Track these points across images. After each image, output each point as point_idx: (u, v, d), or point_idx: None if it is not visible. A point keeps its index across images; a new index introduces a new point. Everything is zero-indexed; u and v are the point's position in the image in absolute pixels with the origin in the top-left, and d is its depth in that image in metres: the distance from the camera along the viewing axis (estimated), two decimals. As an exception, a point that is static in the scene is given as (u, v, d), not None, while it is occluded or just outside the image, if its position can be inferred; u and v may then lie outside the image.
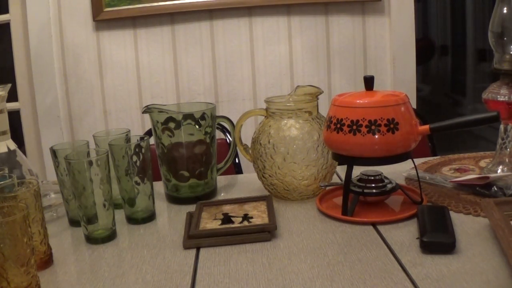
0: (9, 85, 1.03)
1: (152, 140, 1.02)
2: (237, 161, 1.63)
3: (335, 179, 1.14)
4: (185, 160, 1.07)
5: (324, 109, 1.01)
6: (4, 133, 1.01)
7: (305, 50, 2.10)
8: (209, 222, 0.92)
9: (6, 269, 0.67)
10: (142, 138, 0.98)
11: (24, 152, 1.11)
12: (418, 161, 1.22)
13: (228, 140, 1.68)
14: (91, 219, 0.89)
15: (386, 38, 2.10)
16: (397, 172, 1.11)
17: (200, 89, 2.11)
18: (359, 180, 0.97)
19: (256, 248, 0.84)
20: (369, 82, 0.95)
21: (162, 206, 1.07)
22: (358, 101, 0.92)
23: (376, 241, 0.83)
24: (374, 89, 0.96)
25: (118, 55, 2.07)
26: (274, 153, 1.02)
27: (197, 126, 1.05)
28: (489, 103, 1.04)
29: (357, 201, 0.94)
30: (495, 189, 0.97)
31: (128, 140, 1.03)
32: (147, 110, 1.06)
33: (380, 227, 0.88)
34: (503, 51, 1.02)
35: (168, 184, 1.09)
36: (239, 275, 0.75)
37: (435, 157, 1.27)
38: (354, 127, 0.89)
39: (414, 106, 2.04)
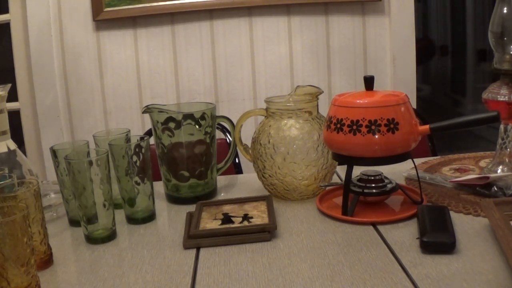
0: (9, 85, 1.03)
1: (152, 140, 1.02)
2: (237, 161, 1.63)
3: (335, 179, 1.14)
4: (185, 160, 1.07)
5: (324, 109, 1.01)
6: (4, 133, 1.01)
7: (305, 50, 2.10)
8: (209, 222, 0.92)
9: (6, 269, 0.67)
10: (142, 138, 0.98)
11: (24, 152, 1.11)
12: (418, 161, 1.22)
13: (228, 140, 1.68)
14: (91, 219, 0.89)
15: (386, 38, 2.10)
16: (397, 172, 1.11)
17: (200, 89, 2.11)
18: (359, 180, 0.97)
19: (256, 248, 0.84)
20: (369, 82, 0.95)
21: (162, 206, 1.07)
22: (358, 101, 0.92)
23: (376, 241, 0.83)
24: (374, 89, 0.96)
25: (118, 55, 2.07)
26: (274, 153, 1.02)
27: (197, 126, 1.05)
28: (489, 103, 1.04)
29: (357, 201, 0.94)
30: (495, 189, 0.97)
31: (128, 140, 1.03)
32: (147, 110, 1.06)
33: (380, 227, 0.88)
34: (503, 51, 1.02)
35: (168, 184, 1.09)
36: (239, 275, 0.76)
37: (435, 157, 1.27)
38: (354, 127, 0.89)
39: (414, 106, 2.04)
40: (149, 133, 1.52)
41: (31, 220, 0.77)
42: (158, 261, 0.82)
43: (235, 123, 1.12)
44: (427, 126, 0.91)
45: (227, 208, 0.98)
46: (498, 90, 1.03)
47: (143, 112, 1.07)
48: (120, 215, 0.99)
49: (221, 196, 1.12)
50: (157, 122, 1.06)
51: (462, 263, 0.74)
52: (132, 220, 0.98)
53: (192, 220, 0.93)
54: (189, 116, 1.05)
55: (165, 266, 0.80)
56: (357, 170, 0.96)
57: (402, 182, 1.09)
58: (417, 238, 0.81)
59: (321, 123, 1.04)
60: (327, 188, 1.04)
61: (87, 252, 0.88)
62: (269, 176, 1.04)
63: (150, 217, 0.99)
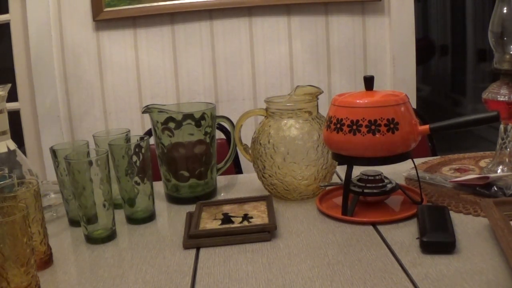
0: (9, 85, 1.03)
1: (152, 140, 1.02)
2: (237, 161, 1.63)
3: (335, 179, 1.14)
4: (185, 160, 1.07)
5: (324, 109, 1.01)
6: (4, 133, 1.01)
7: (305, 50, 2.10)
8: (209, 222, 0.92)
9: (6, 269, 0.67)
10: (142, 138, 0.98)
11: (24, 152, 1.11)
12: (418, 161, 1.22)
13: (228, 140, 1.68)
14: (91, 219, 0.89)
15: (386, 38, 2.10)
16: (397, 172, 1.11)
17: (200, 89, 2.11)
18: (359, 180, 0.96)
19: (256, 248, 0.84)
20: (369, 82, 0.95)
21: (162, 206, 1.07)
22: (358, 101, 0.92)
23: (376, 241, 0.83)
24: (374, 89, 0.96)
25: (118, 55, 2.07)
26: (274, 153, 1.02)
27: (197, 126, 1.05)
28: (489, 103, 1.04)
29: (357, 201, 0.94)
30: (495, 189, 0.97)
31: (128, 140, 1.03)
32: (147, 110, 1.06)
33: (380, 227, 0.88)
34: (503, 51, 1.02)
35: (168, 184, 1.09)
36: (239, 275, 0.76)
37: (435, 157, 1.27)
38: (354, 127, 0.89)
39: (414, 106, 2.04)
40: (149, 133, 1.52)
41: (31, 220, 0.77)
42: (158, 261, 0.82)
43: (235, 123, 1.12)
44: (427, 126, 0.91)
45: (227, 208, 0.98)
46: (498, 90, 1.03)
47: (143, 112, 1.07)
48: (120, 215, 0.99)
49: (221, 196, 1.12)
50: (157, 122, 1.06)
51: (462, 263, 0.74)
52: (132, 220, 0.98)
53: (192, 220, 0.93)
54: (189, 116, 1.05)
55: (165, 266, 0.80)
56: (357, 170, 0.96)
57: (402, 182, 1.09)
58: (417, 238, 0.81)
59: (321, 123, 1.04)
60: (327, 188, 1.04)
61: (87, 252, 0.88)
62: (269, 176, 1.04)
63: (150, 217, 0.99)
